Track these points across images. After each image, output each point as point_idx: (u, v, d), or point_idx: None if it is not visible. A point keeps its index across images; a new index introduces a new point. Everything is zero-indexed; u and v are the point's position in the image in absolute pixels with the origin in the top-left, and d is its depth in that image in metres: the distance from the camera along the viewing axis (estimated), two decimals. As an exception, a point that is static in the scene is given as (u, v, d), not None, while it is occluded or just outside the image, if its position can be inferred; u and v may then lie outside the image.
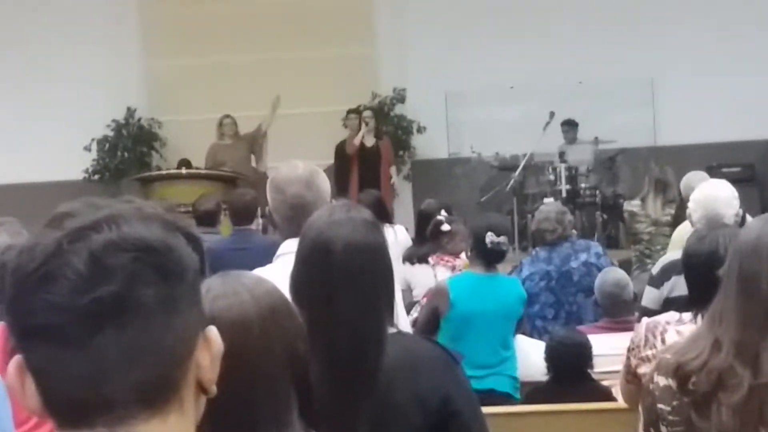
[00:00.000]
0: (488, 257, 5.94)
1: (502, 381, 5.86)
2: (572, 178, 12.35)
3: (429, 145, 14.05)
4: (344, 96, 13.59)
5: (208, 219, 7.76)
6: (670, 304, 4.87)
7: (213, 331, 1.28)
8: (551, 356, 5.42)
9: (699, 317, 3.43)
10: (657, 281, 5.52)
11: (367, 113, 12.97)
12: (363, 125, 12.78)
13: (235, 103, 13.17)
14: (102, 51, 13.92)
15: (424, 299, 6.38)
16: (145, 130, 14.26)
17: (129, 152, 14.00)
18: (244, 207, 7.27)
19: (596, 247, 7.26)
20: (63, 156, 13.33)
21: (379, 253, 2.67)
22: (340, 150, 12.92)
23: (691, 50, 13.38)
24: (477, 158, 13.46)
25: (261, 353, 1.95)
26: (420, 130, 14.00)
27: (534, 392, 5.59)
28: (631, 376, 3.83)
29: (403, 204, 13.15)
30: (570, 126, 13.07)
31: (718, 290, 2.97)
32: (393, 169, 13.09)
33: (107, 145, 13.95)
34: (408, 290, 7.00)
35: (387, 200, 12.00)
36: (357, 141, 12.67)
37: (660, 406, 2.56)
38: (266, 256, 3.84)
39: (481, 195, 13.09)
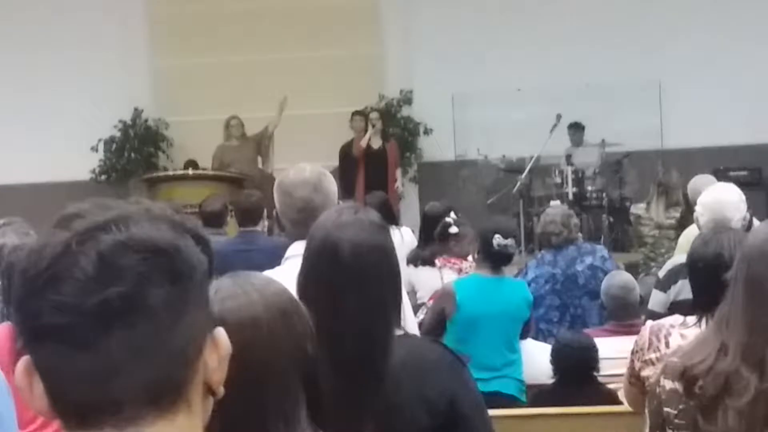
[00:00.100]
0: (495, 260, 5.95)
1: (507, 384, 5.86)
2: (579, 181, 12.34)
3: (435, 147, 14.04)
4: (351, 97, 13.58)
5: (214, 220, 7.77)
6: (676, 307, 4.86)
7: (221, 332, 1.28)
8: (557, 359, 5.42)
9: (703, 321, 3.43)
10: (664, 284, 5.52)
11: (373, 115, 12.96)
12: (370, 127, 12.77)
13: (241, 104, 13.17)
14: (109, 51, 13.93)
15: (430, 301, 6.38)
16: (152, 130, 14.27)
17: (136, 153, 13.99)
18: (251, 208, 7.27)
19: (602, 250, 7.25)
20: (70, 156, 13.33)
21: (387, 254, 2.68)
22: (345, 152, 12.91)
23: (699, 53, 13.36)
24: (483, 160, 13.45)
25: (270, 353, 1.96)
26: (427, 132, 13.99)
27: (540, 395, 5.59)
28: (634, 378, 3.83)
29: (410, 206, 13.13)
30: (577, 129, 13.05)
31: (722, 294, 2.97)
32: (399, 171, 13.08)
33: (114, 146, 13.96)
34: (412, 293, 6.99)
35: (393, 202, 12.01)
36: (364, 143, 12.66)
37: (666, 409, 2.56)
38: (272, 257, 3.83)
39: (487, 197, 13.08)
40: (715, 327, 2.58)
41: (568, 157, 12.67)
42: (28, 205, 9.22)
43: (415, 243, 8.00)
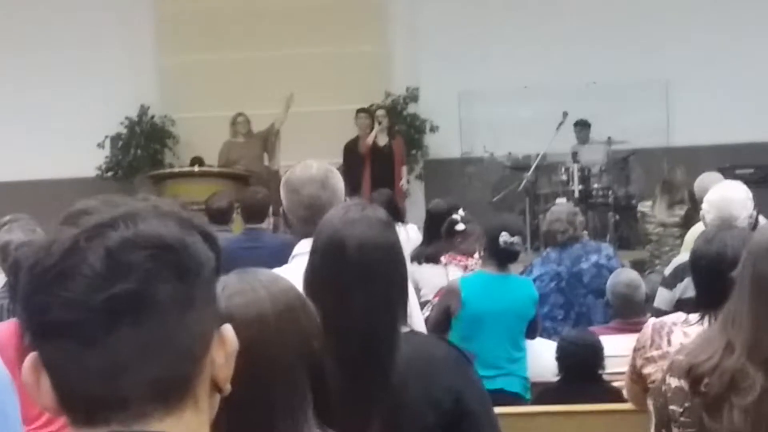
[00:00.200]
0: (501, 257, 5.95)
1: (512, 381, 5.86)
2: (585, 179, 12.33)
3: (441, 145, 14.04)
4: (357, 95, 13.57)
5: (220, 217, 7.77)
6: (683, 305, 4.85)
7: (228, 329, 1.28)
8: (562, 356, 5.42)
9: (706, 318, 3.43)
10: (670, 282, 5.52)
11: (380, 112, 12.96)
12: (376, 124, 12.77)
13: (248, 101, 13.18)
14: (115, 49, 13.95)
15: (436, 298, 6.38)
16: (158, 127, 14.28)
17: (142, 149, 14.01)
18: (257, 205, 7.27)
19: (607, 248, 7.25)
20: (76, 153, 13.34)
21: (393, 251, 2.68)
22: (350, 149, 12.91)
23: (705, 51, 13.34)
24: (489, 158, 13.45)
25: (277, 350, 1.96)
26: (433, 129, 13.99)
27: (545, 392, 5.59)
28: (636, 376, 3.84)
29: (416, 203, 13.13)
30: (582, 126, 13.04)
31: (725, 292, 2.97)
32: (405, 169, 13.07)
33: (120, 143, 13.97)
34: (415, 290, 6.98)
35: (399, 199, 12.01)
36: (370, 140, 12.66)
37: (672, 407, 2.56)
38: (277, 254, 3.83)
39: (493, 195, 13.08)
40: (720, 325, 2.58)
41: (574, 154, 12.67)
42: (34, 201, 9.24)
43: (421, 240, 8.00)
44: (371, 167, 12.63)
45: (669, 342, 3.64)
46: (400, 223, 7.78)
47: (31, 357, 1.20)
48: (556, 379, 5.51)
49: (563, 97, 13.18)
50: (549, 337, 6.33)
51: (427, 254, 7.28)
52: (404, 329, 2.67)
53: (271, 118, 12.85)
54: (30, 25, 13.97)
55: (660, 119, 13.77)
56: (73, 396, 1.19)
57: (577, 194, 12.07)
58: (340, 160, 12.31)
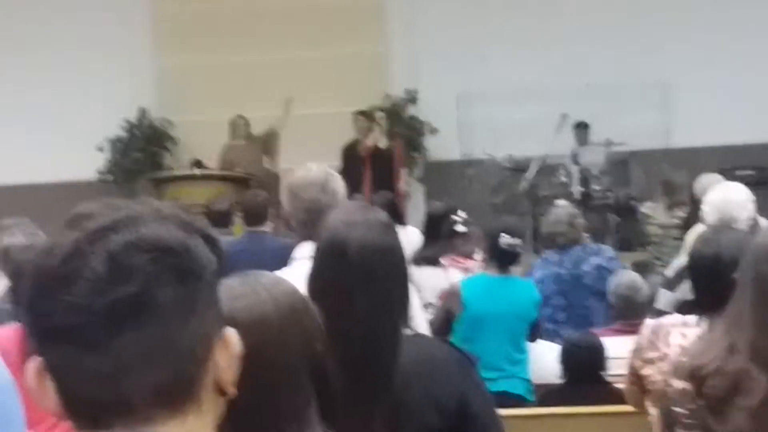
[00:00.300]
0: (502, 259, 5.95)
1: (515, 383, 5.86)
2: (585, 181, 12.32)
3: (441, 147, 14.02)
4: (356, 97, 13.56)
5: (221, 220, 7.77)
6: (684, 307, 4.85)
7: (231, 332, 1.28)
8: (565, 358, 5.43)
9: (704, 320, 3.43)
10: (671, 284, 5.51)
11: (379, 114, 12.96)
12: (376, 126, 12.77)
13: (247, 103, 13.18)
14: (114, 51, 13.93)
15: (438, 301, 6.38)
16: (158, 130, 14.26)
17: (141, 152, 13.99)
18: (257, 208, 7.27)
19: (608, 250, 7.25)
20: (76, 156, 13.33)
21: (395, 254, 2.68)
22: (349, 151, 12.91)
23: (705, 52, 13.34)
24: (489, 160, 13.43)
25: (280, 353, 1.96)
26: (432, 131, 13.96)
27: (548, 394, 5.59)
28: (634, 377, 3.83)
29: (416, 206, 13.11)
30: (582, 128, 13.03)
31: (723, 293, 2.97)
32: (404, 171, 13.06)
33: (120, 145, 13.97)
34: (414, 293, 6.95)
35: (399, 202, 12.00)
36: (370, 142, 12.66)
37: (676, 409, 2.56)
38: (279, 257, 3.83)
39: (493, 197, 13.07)
40: (724, 327, 2.57)
41: (574, 156, 12.66)
42: (34, 205, 9.23)
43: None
44: (371, 170, 12.62)
45: (667, 344, 3.64)
46: (400, 226, 7.75)
47: (34, 361, 1.20)
48: (559, 381, 5.51)
49: (562, 98, 13.17)
50: (550, 339, 6.33)
51: (427, 256, 7.25)
52: (407, 331, 2.67)
53: (271, 120, 12.85)
54: (28, 27, 13.96)
55: (660, 120, 13.76)
56: (76, 400, 1.19)
57: (577, 196, 12.06)
58: (339, 162, 12.32)
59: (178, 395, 1.20)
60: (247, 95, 13.54)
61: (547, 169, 12.64)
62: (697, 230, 5.89)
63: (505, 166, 13.22)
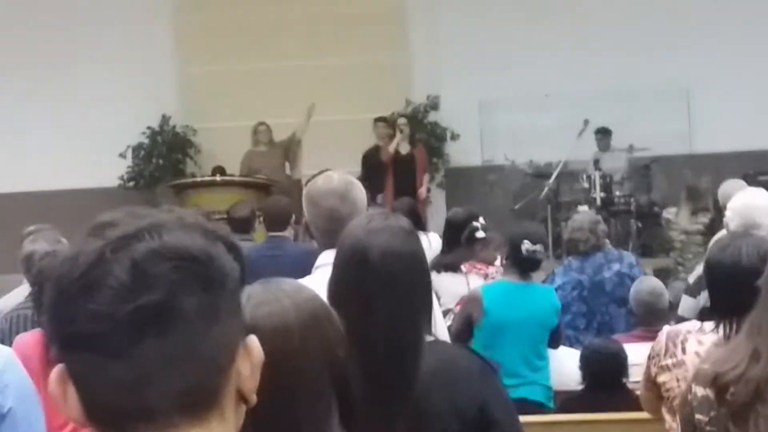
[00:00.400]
0: (523, 265, 5.94)
1: (534, 390, 5.84)
2: (607, 186, 12.30)
3: (462, 153, 14.03)
4: (378, 103, 13.58)
5: (242, 226, 7.78)
6: (706, 313, 4.83)
7: (253, 339, 1.28)
8: (586, 365, 5.41)
9: (721, 327, 3.41)
10: (693, 290, 5.49)
11: (401, 120, 12.97)
12: (398, 132, 12.78)
13: (269, 111, 13.21)
14: (137, 59, 13.99)
15: (457, 307, 6.37)
16: (180, 137, 14.31)
17: (163, 159, 14.04)
18: (280, 213, 7.27)
19: (629, 257, 7.22)
20: (98, 163, 13.41)
21: (417, 260, 2.68)
22: (369, 158, 12.92)
23: (727, 57, 13.30)
24: (511, 166, 13.43)
25: (302, 359, 1.96)
26: (453, 137, 13.98)
27: (568, 401, 5.57)
28: (650, 384, 3.82)
29: (437, 211, 13.11)
30: (604, 134, 13.01)
31: (740, 300, 2.96)
32: (426, 177, 13.06)
33: (142, 153, 14.01)
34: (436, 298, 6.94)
35: (422, 208, 12.01)
36: (392, 148, 12.66)
37: (698, 416, 2.55)
38: (300, 262, 3.84)
39: (514, 203, 13.07)
40: (746, 333, 2.56)
41: (596, 162, 12.63)
42: (57, 211, 9.29)
43: (441, 248, 7.97)
44: (393, 176, 12.63)
45: (684, 350, 3.63)
46: (421, 232, 7.75)
47: (57, 369, 1.21)
48: (579, 387, 5.49)
49: (584, 104, 13.16)
50: (571, 345, 6.31)
51: (447, 263, 7.24)
52: (428, 338, 2.67)
53: (293, 127, 12.87)
54: (53, 37, 14.02)
55: (682, 126, 13.73)
56: (99, 407, 1.19)
57: (598, 202, 12.04)
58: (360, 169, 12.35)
59: (200, 403, 1.20)
60: (269, 102, 13.58)
61: (569, 175, 12.62)
62: (720, 236, 5.88)
63: (526, 171, 13.21)
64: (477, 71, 13.77)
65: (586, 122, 12.64)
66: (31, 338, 3.78)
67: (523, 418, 3.13)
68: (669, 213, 9.27)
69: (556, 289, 6.56)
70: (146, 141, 14.05)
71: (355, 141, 13.20)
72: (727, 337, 3.39)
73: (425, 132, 13.81)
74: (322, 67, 13.97)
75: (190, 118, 14.36)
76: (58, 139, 13.79)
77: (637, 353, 5.42)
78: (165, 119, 14.15)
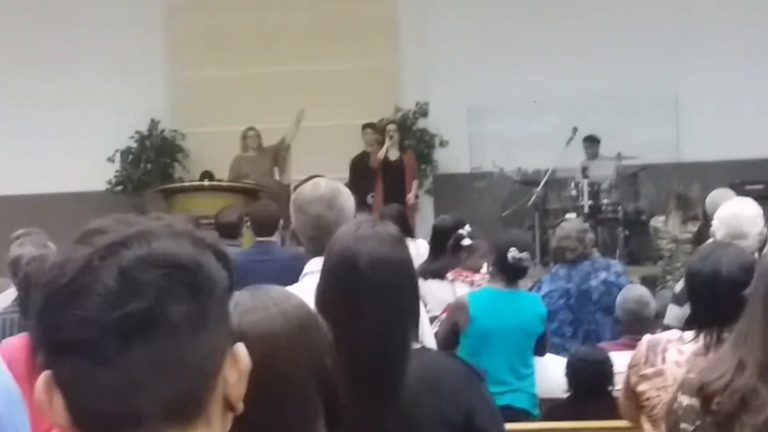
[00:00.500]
0: (510, 273, 5.93)
1: (520, 397, 5.84)
2: (594, 194, 12.32)
3: (451, 159, 14.05)
4: (367, 109, 13.60)
5: (230, 231, 7.78)
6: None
7: (241, 347, 1.28)
8: (572, 373, 5.41)
9: (701, 336, 3.43)
10: (680, 299, 5.49)
11: (391, 127, 12.97)
12: (387, 138, 12.78)
13: (258, 116, 13.21)
14: (126, 63, 13.98)
15: (443, 314, 6.37)
16: (169, 141, 14.31)
17: (152, 164, 14.03)
18: (267, 218, 7.26)
19: (616, 265, 7.23)
20: (86, 167, 13.39)
21: (405, 268, 2.68)
22: (358, 164, 12.93)
23: (715, 66, 13.34)
24: (499, 173, 13.45)
25: (289, 367, 1.96)
26: (442, 144, 14.00)
27: (554, 409, 5.57)
28: (630, 392, 3.83)
29: (425, 218, 13.13)
30: (592, 142, 13.04)
31: (719, 309, 2.97)
32: (416, 183, 13.07)
33: (130, 157, 14.00)
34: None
35: (411, 214, 12.01)
36: (381, 154, 12.67)
37: (683, 425, 2.55)
38: (288, 268, 3.83)
39: (502, 210, 13.08)
40: (732, 343, 2.57)
41: (584, 169, 12.66)
42: (45, 215, 9.27)
43: (428, 255, 7.97)
44: (383, 181, 12.64)
45: (663, 360, 3.64)
46: (409, 238, 7.76)
47: (44, 375, 1.21)
48: (565, 395, 5.50)
49: (573, 112, 13.19)
50: (557, 353, 6.31)
51: (433, 269, 7.24)
52: (415, 345, 2.67)
53: (282, 132, 12.88)
54: (42, 41, 14.01)
55: (670, 134, 13.76)
56: (86, 414, 1.19)
57: (586, 209, 12.06)
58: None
59: (187, 410, 1.20)
60: (259, 107, 13.59)
61: (557, 182, 12.65)
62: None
63: (514, 179, 13.24)
64: (466, 78, 13.80)
65: (574, 130, 12.67)
66: (17, 342, 3.77)
67: (508, 426, 3.14)
68: (657, 221, 9.27)
69: (543, 297, 6.56)
70: (135, 145, 14.04)
71: (345, 146, 13.22)
72: (707, 347, 3.41)
73: (414, 138, 13.83)
74: (311, 73, 13.98)
75: (179, 122, 14.35)
76: (47, 143, 13.76)
77: (623, 361, 5.41)
78: (154, 123, 14.15)
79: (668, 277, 8.86)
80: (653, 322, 5.87)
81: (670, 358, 3.60)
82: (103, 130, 13.60)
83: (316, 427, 1.99)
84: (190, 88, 14.43)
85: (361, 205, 11.32)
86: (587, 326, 6.73)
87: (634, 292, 6.16)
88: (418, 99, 14.06)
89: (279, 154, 12.91)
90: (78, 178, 13.33)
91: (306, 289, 2.68)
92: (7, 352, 3.36)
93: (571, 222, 7.79)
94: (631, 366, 3.82)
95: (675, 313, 5.51)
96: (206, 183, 12.34)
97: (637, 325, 5.88)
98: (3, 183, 13.37)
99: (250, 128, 12.91)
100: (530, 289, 6.81)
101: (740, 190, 9.88)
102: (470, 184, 13.79)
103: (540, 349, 6.05)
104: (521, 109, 13.85)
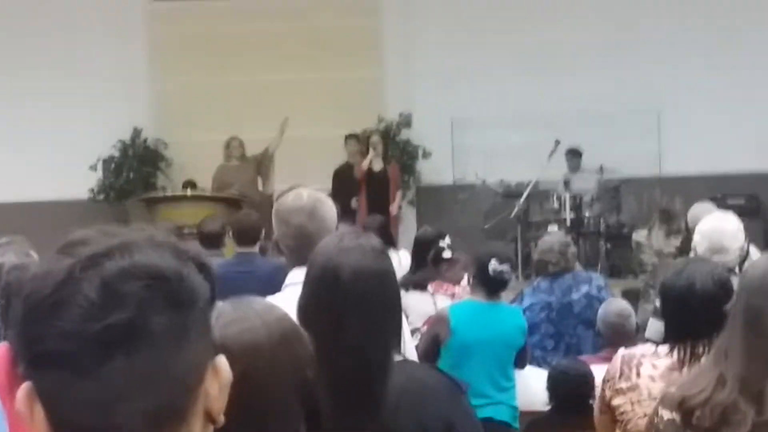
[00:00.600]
0: (491, 285, 5.93)
1: (501, 410, 5.84)
2: (576, 207, 12.34)
3: (434, 171, 14.06)
4: (351, 120, 13.61)
5: (212, 241, 7.77)
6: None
7: (222, 360, 1.28)
8: (553, 386, 5.42)
9: (675, 351, 3.44)
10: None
11: (374, 138, 12.97)
12: (371, 149, 12.77)
13: (241, 125, 13.20)
14: (109, 71, 13.95)
15: (424, 327, 6.36)
16: (151, 150, 14.27)
17: (134, 172, 13.99)
18: (250, 228, 7.26)
19: (598, 279, 7.24)
20: (68, 175, 13.33)
21: (387, 280, 2.68)
22: (341, 174, 12.92)
23: (697, 80, 13.41)
24: (482, 185, 13.46)
25: (271, 379, 1.96)
26: (425, 155, 14.01)
27: (535, 422, 5.58)
28: (605, 407, 3.84)
29: (408, 229, 13.12)
30: (574, 155, 13.07)
31: (693, 324, 2.97)
32: (400, 194, 13.07)
33: (113, 165, 13.96)
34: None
35: (394, 225, 12.01)
36: (365, 165, 12.66)
37: (664, 439, 2.56)
38: (270, 278, 3.83)
39: (485, 221, 13.09)
40: (713, 358, 2.58)
41: (566, 182, 12.68)
42: (27, 223, 9.22)
43: (409, 267, 7.96)
44: (366, 192, 12.63)
45: (638, 374, 3.65)
46: (392, 249, 7.75)
47: (25, 386, 1.20)
48: (546, 408, 5.50)
49: (556, 124, 13.22)
50: (539, 366, 6.31)
51: (414, 281, 7.23)
52: (397, 357, 2.67)
53: (265, 142, 12.87)
54: (24, 47, 13.97)
55: (652, 148, 13.82)
56: (67, 426, 1.18)
57: (568, 222, 12.08)
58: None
59: (168, 423, 1.20)
60: (242, 117, 13.58)
61: (539, 194, 12.67)
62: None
63: (497, 191, 13.25)
64: (449, 90, 13.82)
65: (557, 142, 12.69)
66: (-3, 352, 3.75)
67: (490, 439, 3.14)
68: (640, 236, 9.31)
69: (525, 310, 6.56)
70: (117, 154, 14.00)
71: (329, 156, 13.22)
72: (681, 362, 3.42)
73: (397, 149, 13.83)
74: (295, 83, 13.98)
75: (162, 131, 14.32)
76: (29, 151, 13.71)
77: (604, 374, 5.44)
78: (136, 132, 14.10)
79: (651, 291, 8.88)
80: (634, 336, 5.88)
81: (644, 372, 3.61)
82: (85, 138, 13.55)
83: (297, 439, 1.98)
84: (173, 96, 14.40)
85: (345, 211, 11.31)
86: (569, 339, 6.73)
87: (615, 305, 6.17)
88: (401, 110, 14.07)
89: (262, 164, 12.90)
90: (60, 187, 13.27)
91: (288, 300, 2.67)
92: (-13, 362, 3.34)
93: (554, 235, 7.80)
94: (606, 380, 3.83)
95: (657, 326, 5.50)
96: (189, 193, 12.31)
97: (618, 338, 5.88)
98: (-15, 191, 13.32)
99: (234, 137, 12.89)
100: (512, 302, 6.81)
101: (722, 204, 9.92)
102: (453, 196, 13.80)
103: (520, 362, 6.06)
104: (504, 122, 13.88)
